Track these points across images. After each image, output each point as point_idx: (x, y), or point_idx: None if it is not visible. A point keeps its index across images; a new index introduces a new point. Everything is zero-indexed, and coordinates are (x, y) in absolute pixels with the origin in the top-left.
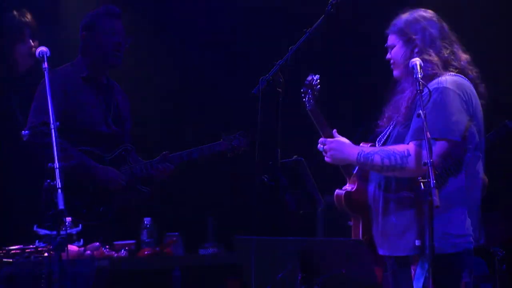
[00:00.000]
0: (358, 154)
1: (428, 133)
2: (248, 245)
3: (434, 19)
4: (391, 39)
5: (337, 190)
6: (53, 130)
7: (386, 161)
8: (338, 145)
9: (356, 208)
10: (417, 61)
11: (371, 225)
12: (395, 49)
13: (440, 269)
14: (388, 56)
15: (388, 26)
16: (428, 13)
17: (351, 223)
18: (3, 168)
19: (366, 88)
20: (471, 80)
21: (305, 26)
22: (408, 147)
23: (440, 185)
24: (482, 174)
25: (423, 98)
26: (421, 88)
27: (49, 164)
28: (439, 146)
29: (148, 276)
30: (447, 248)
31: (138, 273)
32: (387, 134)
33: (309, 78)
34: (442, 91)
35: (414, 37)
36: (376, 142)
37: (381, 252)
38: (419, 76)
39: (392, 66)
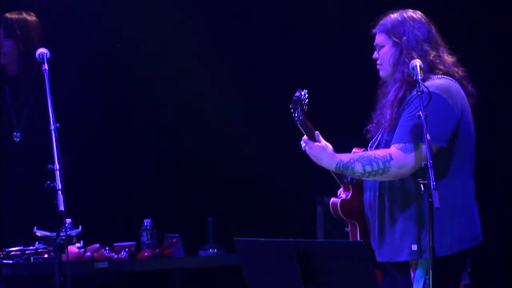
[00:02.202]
0: (337, 164)
1: (428, 135)
2: (248, 246)
3: (423, 20)
4: (380, 38)
5: (332, 199)
6: (53, 131)
7: (368, 168)
8: (317, 152)
9: (353, 216)
10: (417, 62)
11: (368, 231)
12: (384, 50)
13: (438, 271)
14: (375, 55)
15: (376, 25)
16: (417, 15)
17: (348, 229)
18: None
19: (359, 91)
20: (458, 81)
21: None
22: (390, 151)
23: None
24: (472, 175)
25: (423, 100)
26: (421, 89)
27: (49, 166)
28: (423, 151)
29: (148, 277)
30: (442, 251)
31: (138, 275)
32: (378, 140)
33: (297, 94)
34: None
35: (401, 39)
36: (368, 148)
37: (379, 258)
38: (419, 77)
39: (378, 66)
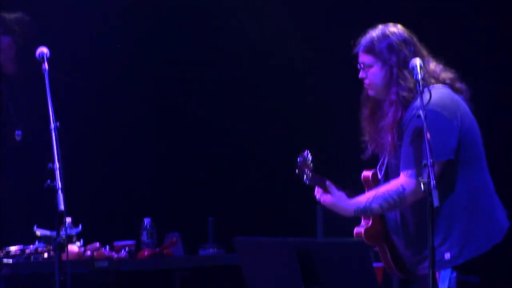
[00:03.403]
0: (354, 212)
1: (428, 134)
2: (248, 246)
3: (405, 35)
4: (366, 58)
5: (356, 228)
6: (53, 130)
7: (385, 205)
8: (331, 205)
9: (378, 241)
10: (417, 61)
11: (397, 249)
12: (374, 71)
13: (473, 272)
14: (362, 75)
15: (357, 43)
16: (399, 29)
17: (376, 249)
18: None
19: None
20: (449, 85)
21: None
22: (401, 181)
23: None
24: (485, 171)
25: (423, 99)
26: (421, 89)
27: (48, 165)
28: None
29: (148, 277)
30: (474, 251)
31: (138, 274)
32: (386, 163)
33: (300, 159)
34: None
35: (390, 57)
36: (377, 171)
37: (422, 272)
38: (419, 77)
39: (367, 86)
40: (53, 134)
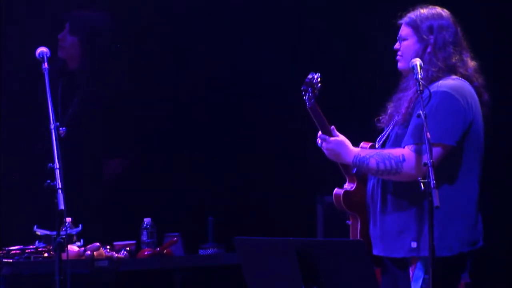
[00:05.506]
0: (354, 157)
1: (428, 133)
2: (248, 245)
3: (451, 21)
4: (406, 31)
5: (336, 189)
6: (53, 130)
7: (381, 166)
8: (335, 146)
9: (355, 208)
10: (417, 61)
11: (369, 225)
12: (408, 43)
13: (436, 271)
14: (397, 46)
15: (403, 15)
16: (446, 14)
17: (349, 222)
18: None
19: (368, 83)
20: (476, 88)
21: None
22: (404, 151)
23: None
24: (478, 180)
25: (423, 99)
26: (421, 88)
27: (49, 165)
28: (434, 151)
29: (148, 276)
30: (442, 251)
31: (138, 274)
32: (387, 134)
33: (310, 76)
34: (440, 95)
35: (428, 36)
36: (376, 142)
37: (375, 252)
38: (419, 76)
39: (398, 58)
40: (53, 134)
